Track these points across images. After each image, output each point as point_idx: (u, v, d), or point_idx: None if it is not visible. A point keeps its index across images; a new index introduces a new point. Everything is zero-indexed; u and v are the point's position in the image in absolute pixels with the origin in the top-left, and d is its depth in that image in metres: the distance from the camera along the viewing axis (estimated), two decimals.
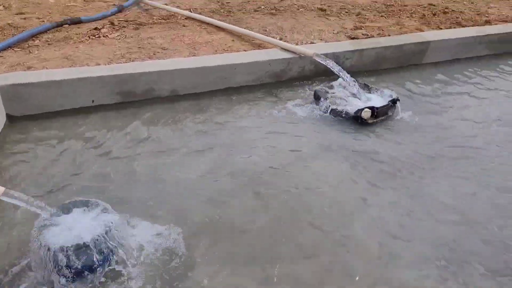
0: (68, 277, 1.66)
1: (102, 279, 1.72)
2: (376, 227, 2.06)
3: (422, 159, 2.58)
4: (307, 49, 3.27)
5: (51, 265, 1.65)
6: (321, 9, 4.69)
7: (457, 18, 4.95)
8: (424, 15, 5.08)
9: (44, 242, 1.66)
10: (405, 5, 5.45)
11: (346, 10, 4.92)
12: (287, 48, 3.35)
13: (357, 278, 1.80)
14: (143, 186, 2.28)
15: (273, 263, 1.84)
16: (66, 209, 1.81)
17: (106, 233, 1.72)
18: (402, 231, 2.05)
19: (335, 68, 3.14)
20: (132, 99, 3.02)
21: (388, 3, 5.51)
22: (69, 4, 4.51)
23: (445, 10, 5.27)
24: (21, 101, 2.75)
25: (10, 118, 2.77)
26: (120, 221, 1.83)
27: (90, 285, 1.70)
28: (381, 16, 4.92)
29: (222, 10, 4.42)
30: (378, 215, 2.13)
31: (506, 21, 4.70)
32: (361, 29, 4.13)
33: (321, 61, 3.18)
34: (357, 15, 4.80)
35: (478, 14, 5.20)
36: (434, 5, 5.46)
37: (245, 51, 3.44)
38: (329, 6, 5.00)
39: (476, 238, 2.02)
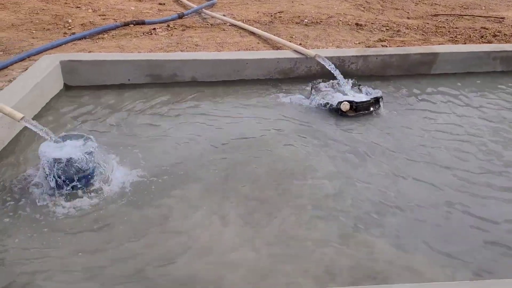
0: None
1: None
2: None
3: (377, 150, 2.90)
4: (310, 51, 3.71)
5: (48, 170, 2.35)
6: (358, 24, 5.06)
7: (501, 40, 4.95)
8: (470, 36, 5.16)
9: (44, 154, 2.36)
10: (456, 28, 5.54)
11: (387, 28, 5.20)
12: (295, 48, 3.83)
13: None
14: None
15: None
16: (64, 138, 2.51)
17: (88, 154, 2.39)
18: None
19: (332, 69, 3.54)
20: (160, 81, 3.71)
21: (440, 25, 5.64)
22: (144, 11, 5.46)
23: (496, 33, 5.28)
24: (74, 74, 3.59)
25: (66, 87, 3.62)
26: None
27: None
28: (422, 35, 5.11)
29: (266, 21, 5.02)
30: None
31: None
32: (384, 41, 4.42)
33: (321, 61, 3.60)
34: (396, 31, 5.07)
35: None
36: (486, 29, 5.47)
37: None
38: (372, 23, 5.33)
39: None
